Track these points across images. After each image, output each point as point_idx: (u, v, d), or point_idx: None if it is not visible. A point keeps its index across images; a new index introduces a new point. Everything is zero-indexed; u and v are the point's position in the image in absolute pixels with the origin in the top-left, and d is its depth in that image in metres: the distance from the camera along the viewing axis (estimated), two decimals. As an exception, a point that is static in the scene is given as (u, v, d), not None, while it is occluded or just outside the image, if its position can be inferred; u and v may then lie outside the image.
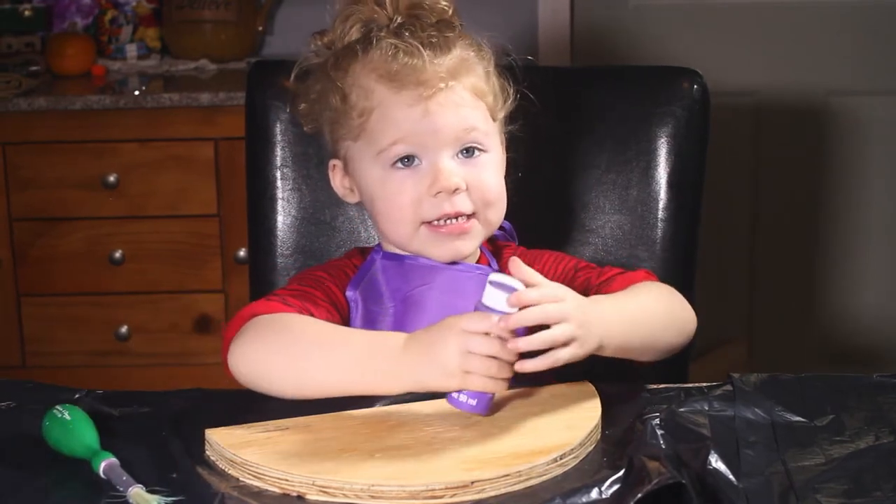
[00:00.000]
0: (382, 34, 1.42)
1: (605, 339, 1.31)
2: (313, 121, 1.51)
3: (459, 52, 1.43)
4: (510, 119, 1.51)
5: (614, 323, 1.33)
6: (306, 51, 1.50)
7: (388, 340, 1.31)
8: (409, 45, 1.40)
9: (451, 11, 1.46)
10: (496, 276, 1.25)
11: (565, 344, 1.26)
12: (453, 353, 1.24)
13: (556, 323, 1.25)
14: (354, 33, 1.46)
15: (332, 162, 1.51)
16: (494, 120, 1.46)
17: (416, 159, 1.41)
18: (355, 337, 1.34)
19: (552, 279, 1.47)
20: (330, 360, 1.30)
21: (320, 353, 1.31)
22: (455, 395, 1.26)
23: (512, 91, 1.49)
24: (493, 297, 1.24)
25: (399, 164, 1.42)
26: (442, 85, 1.40)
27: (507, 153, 1.50)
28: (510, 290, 1.24)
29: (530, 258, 1.51)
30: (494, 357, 1.24)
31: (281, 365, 1.31)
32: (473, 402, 1.26)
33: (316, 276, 1.47)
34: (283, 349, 1.31)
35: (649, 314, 1.40)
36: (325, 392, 1.30)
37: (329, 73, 1.46)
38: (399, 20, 1.43)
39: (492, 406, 1.27)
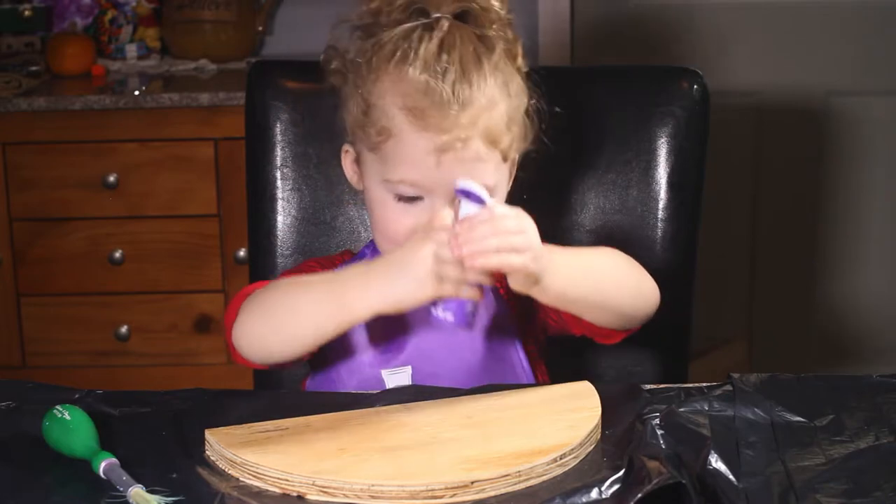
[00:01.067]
0: (420, 53, 1.38)
1: (551, 275, 1.32)
2: (342, 83, 1.48)
3: (487, 93, 1.39)
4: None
5: (562, 264, 1.34)
6: (354, 9, 1.48)
7: (355, 265, 1.35)
8: (439, 85, 1.36)
9: (504, 12, 1.45)
10: (465, 184, 1.30)
11: (518, 252, 1.28)
12: (425, 258, 1.27)
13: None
14: (398, 11, 1.42)
15: (346, 147, 1.50)
16: (506, 160, 1.43)
17: (419, 199, 1.41)
18: (326, 273, 1.37)
19: None
20: (303, 301, 1.34)
21: (294, 297, 1.35)
22: (433, 310, 1.29)
23: (531, 132, 1.46)
24: (468, 209, 1.29)
25: (403, 199, 1.42)
26: (459, 145, 1.37)
27: (518, 172, 1.49)
28: (480, 200, 1.29)
29: None
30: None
31: (268, 326, 1.35)
32: (451, 316, 1.28)
33: (308, 265, 1.51)
34: (266, 311, 1.36)
35: (600, 269, 1.42)
36: (309, 336, 1.33)
37: (357, 78, 1.43)
38: (445, 26, 1.39)
39: (472, 322, 1.30)
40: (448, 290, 1.28)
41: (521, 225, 1.29)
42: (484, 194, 1.30)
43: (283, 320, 1.35)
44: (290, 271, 1.53)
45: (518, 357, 1.47)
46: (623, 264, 1.45)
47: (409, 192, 1.40)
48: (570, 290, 1.37)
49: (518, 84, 1.44)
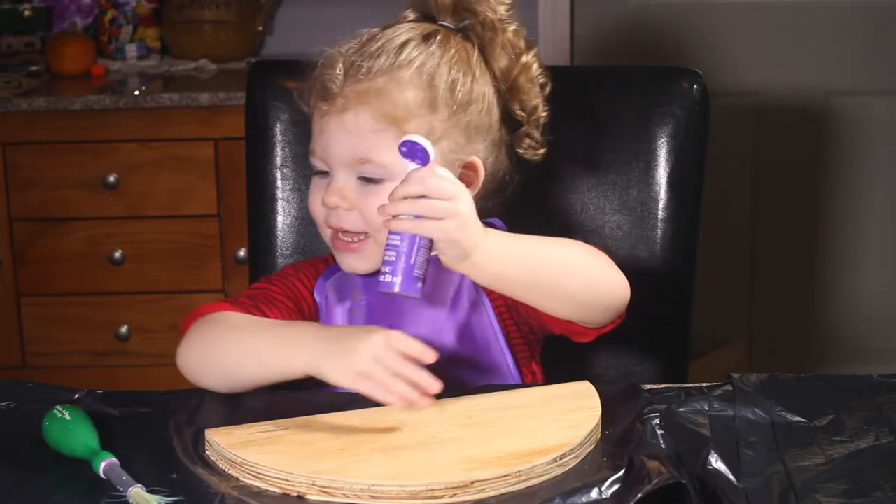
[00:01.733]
0: (364, 37, 1.45)
1: (484, 252, 1.31)
2: None
3: (394, 73, 1.42)
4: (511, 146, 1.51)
5: (499, 243, 1.33)
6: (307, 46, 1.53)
7: (298, 326, 1.35)
8: (338, 58, 1.43)
9: (503, 9, 1.47)
10: (409, 138, 1.30)
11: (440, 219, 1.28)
12: (365, 355, 1.25)
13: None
14: (410, 13, 1.50)
15: None
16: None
17: (327, 172, 1.45)
18: (272, 325, 1.37)
19: None
20: (244, 348, 1.34)
21: (236, 342, 1.34)
22: (381, 278, 1.29)
23: (492, 132, 1.48)
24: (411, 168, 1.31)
25: (317, 173, 1.47)
26: (338, 110, 1.42)
27: (515, 174, 1.51)
28: (425, 157, 1.29)
29: None
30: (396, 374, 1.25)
31: (209, 360, 1.35)
32: (398, 281, 1.28)
33: (284, 274, 1.51)
34: (210, 346, 1.36)
35: (546, 254, 1.38)
36: (246, 380, 1.33)
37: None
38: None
39: (420, 289, 1.29)
40: (366, 388, 1.25)
41: (454, 191, 1.29)
42: (429, 149, 1.29)
43: (225, 360, 1.34)
44: (264, 280, 1.51)
45: (504, 358, 1.47)
46: (580, 253, 1.41)
47: (314, 163, 1.46)
48: (507, 272, 1.34)
49: (472, 89, 1.45)
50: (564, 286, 1.39)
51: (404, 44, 1.44)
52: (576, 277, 1.39)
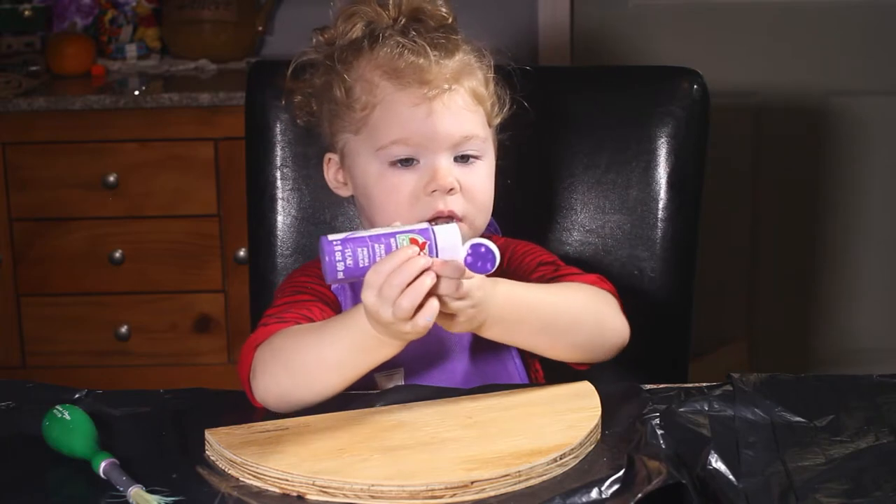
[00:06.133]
0: (389, 32, 1.44)
1: (495, 302, 1.30)
2: (308, 114, 1.53)
3: (463, 56, 1.45)
4: (501, 128, 1.51)
5: (510, 292, 1.32)
6: (306, 46, 1.52)
7: (359, 316, 1.29)
8: (415, 45, 1.42)
9: (451, 20, 1.48)
10: (481, 241, 1.27)
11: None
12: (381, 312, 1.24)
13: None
14: (357, 31, 1.47)
15: (328, 155, 1.52)
16: (490, 126, 1.48)
17: (414, 160, 1.43)
18: (334, 327, 1.32)
19: (516, 267, 1.49)
20: (327, 358, 1.30)
21: (315, 355, 1.30)
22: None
23: (508, 99, 1.50)
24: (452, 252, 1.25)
25: (398, 164, 1.43)
26: (446, 86, 1.41)
27: (497, 160, 1.51)
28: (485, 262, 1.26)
29: (505, 244, 1.53)
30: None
31: (292, 382, 1.31)
32: (340, 269, 1.24)
33: (298, 282, 1.48)
34: (287, 368, 1.31)
35: (559, 306, 1.38)
36: (339, 385, 1.30)
37: (334, 65, 1.47)
38: (403, 21, 1.45)
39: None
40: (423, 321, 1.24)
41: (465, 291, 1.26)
42: (496, 264, 1.26)
43: (308, 371, 1.30)
44: (281, 294, 1.47)
45: (510, 354, 1.47)
46: (586, 302, 1.41)
47: (403, 152, 1.42)
48: (514, 325, 1.34)
49: (486, 54, 1.48)
50: (568, 337, 1.39)
51: (439, 32, 1.44)
52: (580, 329, 1.40)
